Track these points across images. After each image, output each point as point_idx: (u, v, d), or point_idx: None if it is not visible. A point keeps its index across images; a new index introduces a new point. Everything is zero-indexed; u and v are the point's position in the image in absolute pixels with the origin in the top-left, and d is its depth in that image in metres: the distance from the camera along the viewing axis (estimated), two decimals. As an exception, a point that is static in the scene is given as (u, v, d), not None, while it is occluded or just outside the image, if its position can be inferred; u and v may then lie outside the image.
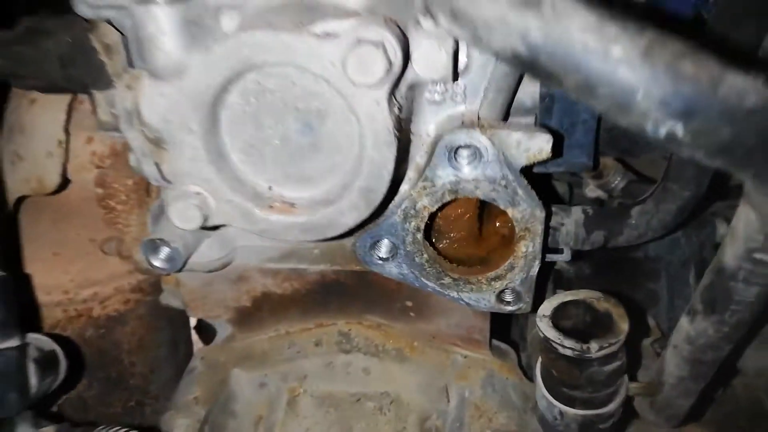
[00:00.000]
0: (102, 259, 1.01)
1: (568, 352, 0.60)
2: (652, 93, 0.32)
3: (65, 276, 1.00)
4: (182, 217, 0.55)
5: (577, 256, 0.79)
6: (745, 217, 0.44)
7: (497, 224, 0.75)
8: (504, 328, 0.95)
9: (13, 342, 0.64)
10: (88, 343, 1.03)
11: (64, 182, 0.89)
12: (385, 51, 0.47)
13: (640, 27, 0.33)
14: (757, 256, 0.45)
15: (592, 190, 0.92)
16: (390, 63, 0.47)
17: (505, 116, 0.67)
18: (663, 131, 0.33)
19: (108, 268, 1.02)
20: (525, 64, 0.35)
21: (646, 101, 0.32)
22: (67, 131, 0.86)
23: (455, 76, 0.59)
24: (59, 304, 0.99)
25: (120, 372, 1.07)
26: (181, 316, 1.13)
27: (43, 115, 0.86)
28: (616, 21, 0.33)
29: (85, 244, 1.01)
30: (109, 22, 0.64)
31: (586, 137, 0.70)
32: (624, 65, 0.32)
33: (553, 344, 0.61)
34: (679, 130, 0.32)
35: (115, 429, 0.57)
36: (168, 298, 0.94)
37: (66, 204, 0.98)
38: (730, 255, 0.48)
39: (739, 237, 0.46)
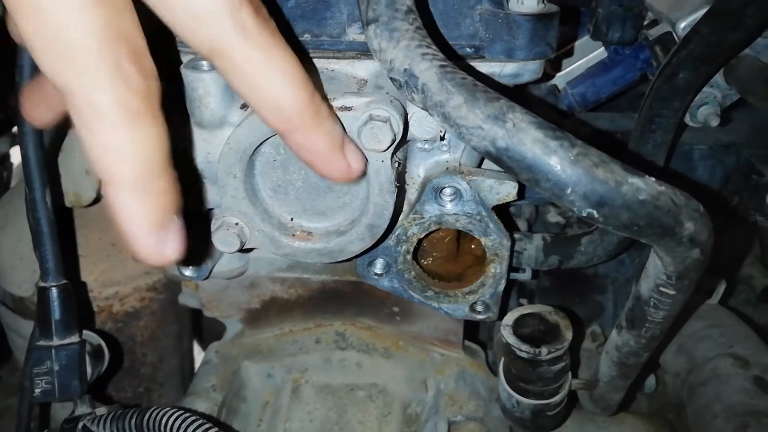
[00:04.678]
0: (121, 261, 1.14)
1: (524, 355, 0.76)
2: (577, 189, 0.47)
3: (90, 276, 1.11)
4: (224, 242, 0.68)
5: (536, 272, 0.95)
6: (653, 261, 0.60)
7: (472, 246, 0.91)
8: (474, 331, 1.11)
9: (75, 338, 0.78)
10: (106, 335, 1.16)
11: (98, 198, 1.02)
12: (391, 125, 0.61)
13: (572, 141, 0.48)
14: (662, 289, 0.61)
15: (553, 216, 1.08)
16: (395, 134, 0.62)
17: (480, 163, 0.82)
18: (585, 213, 0.48)
19: (126, 269, 1.14)
20: (493, 159, 0.50)
21: (573, 194, 0.47)
22: (103, 153, 0.99)
23: (442, 136, 0.74)
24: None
25: (132, 361, 1.19)
26: (187, 312, 1.26)
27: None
28: (556, 136, 0.48)
29: (107, 247, 1.13)
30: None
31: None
32: (558, 169, 0.47)
33: (513, 348, 0.77)
34: (595, 213, 0.48)
35: (165, 410, 0.68)
36: (186, 299, 1.06)
37: (89, 211, 1.10)
38: (644, 287, 0.64)
39: (650, 274, 0.62)
